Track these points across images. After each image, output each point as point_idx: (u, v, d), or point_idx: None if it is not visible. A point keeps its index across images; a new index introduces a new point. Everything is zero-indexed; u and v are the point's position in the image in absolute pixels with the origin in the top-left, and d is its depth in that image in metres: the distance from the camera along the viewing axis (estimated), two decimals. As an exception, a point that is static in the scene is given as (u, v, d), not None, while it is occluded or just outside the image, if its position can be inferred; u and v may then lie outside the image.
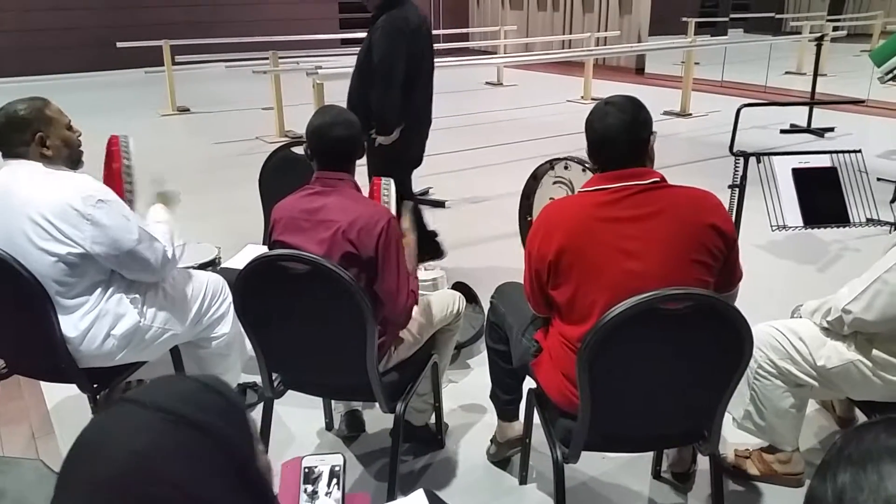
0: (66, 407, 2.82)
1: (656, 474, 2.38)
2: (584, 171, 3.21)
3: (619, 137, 1.83)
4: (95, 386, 2.25)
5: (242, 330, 2.25)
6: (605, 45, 11.83)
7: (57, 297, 2.10)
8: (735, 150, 3.75)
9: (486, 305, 2.71)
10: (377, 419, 2.62)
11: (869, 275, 2.01)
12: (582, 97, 9.58)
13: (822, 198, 3.68)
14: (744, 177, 3.67)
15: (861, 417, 2.33)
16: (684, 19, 10.35)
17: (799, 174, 3.69)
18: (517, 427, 2.40)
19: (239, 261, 3.04)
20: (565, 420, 1.91)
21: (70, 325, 2.12)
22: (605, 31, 12.23)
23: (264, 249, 2.13)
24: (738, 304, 1.80)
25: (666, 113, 8.42)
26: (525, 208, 3.49)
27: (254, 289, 2.00)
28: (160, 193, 2.53)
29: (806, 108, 7.45)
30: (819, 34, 7.83)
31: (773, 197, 3.69)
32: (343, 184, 2.10)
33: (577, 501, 2.29)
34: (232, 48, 9.87)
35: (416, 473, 2.43)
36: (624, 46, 11.38)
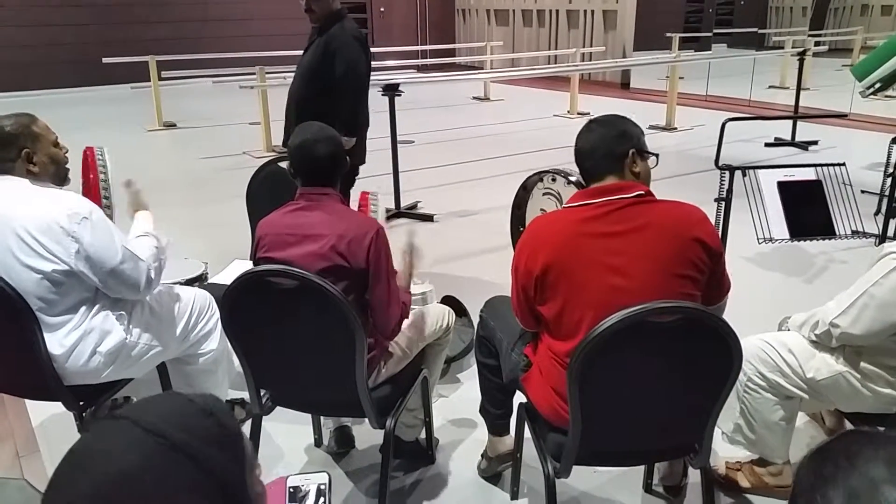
0: (51, 425, 2.78)
1: (647, 488, 2.38)
2: (567, 183, 3.24)
3: (596, 150, 1.90)
4: (81, 403, 2.22)
5: (230, 346, 2.23)
6: (590, 60, 11.93)
7: (42, 314, 2.07)
8: (721, 163, 3.77)
9: (475, 319, 2.71)
10: (367, 435, 2.60)
11: (855, 288, 2.02)
12: (568, 112, 9.65)
13: (807, 210, 3.71)
14: (730, 190, 3.69)
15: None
16: (668, 35, 10.47)
17: (784, 187, 3.72)
18: (508, 442, 2.39)
19: (226, 276, 3.02)
20: (556, 434, 1.90)
21: (55, 342, 2.09)
22: (591, 46, 12.34)
23: (252, 265, 2.12)
24: (725, 316, 1.80)
25: (651, 127, 8.49)
26: (517, 218, 3.51)
27: (241, 304, 1.99)
28: (131, 192, 2.49)
29: (790, 122, 7.53)
30: (801, 49, 7.93)
31: (759, 210, 3.72)
32: (328, 198, 2.10)
33: (569, 516, 2.28)
34: (219, 63, 9.85)
35: (407, 489, 2.41)
36: (609, 62, 11.47)
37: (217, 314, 2.52)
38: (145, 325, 2.26)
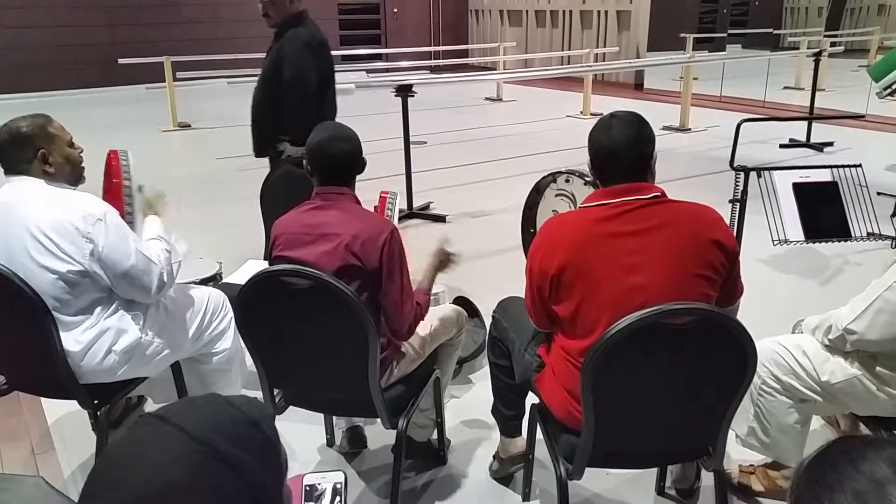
0: (66, 423, 2.80)
1: (660, 490, 2.36)
2: (585, 184, 3.22)
3: (624, 153, 1.83)
4: (96, 402, 2.23)
5: (243, 345, 2.24)
6: (603, 60, 11.90)
7: (58, 314, 2.09)
8: (735, 164, 3.75)
9: (487, 320, 2.70)
10: (379, 435, 2.61)
11: (869, 293, 2.00)
12: (581, 112, 9.62)
13: (823, 212, 3.68)
14: (744, 191, 3.67)
15: (866, 433, 2.31)
16: (682, 35, 10.43)
17: (799, 188, 3.70)
18: (520, 443, 2.39)
19: (240, 276, 3.04)
20: (568, 436, 1.90)
21: (71, 340, 2.11)
22: (604, 47, 12.31)
23: (265, 265, 2.13)
24: (739, 318, 1.79)
25: (665, 128, 8.45)
26: (528, 220, 3.49)
27: (255, 304, 1.99)
28: (145, 199, 2.52)
29: (804, 123, 7.48)
30: (817, 49, 7.87)
31: (774, 211, 3.69)
32: (344, 198, 2.10)
33: (581, 518, 2.27)
34: (233, 64, 9.89)
35: (419, 490, 2.42)
36: (623, 62, 11.44)
37: (231, 314, 2.54)
38: (160, 324, 2.27)
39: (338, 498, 1.27)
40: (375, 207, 2.54)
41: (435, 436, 2.53)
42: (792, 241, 3.68)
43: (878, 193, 4.84)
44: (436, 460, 2.53)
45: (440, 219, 5.36)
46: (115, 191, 2.52)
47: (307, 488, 1.28)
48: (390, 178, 5.66)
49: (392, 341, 2.15)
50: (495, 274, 4.15)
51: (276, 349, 2.08)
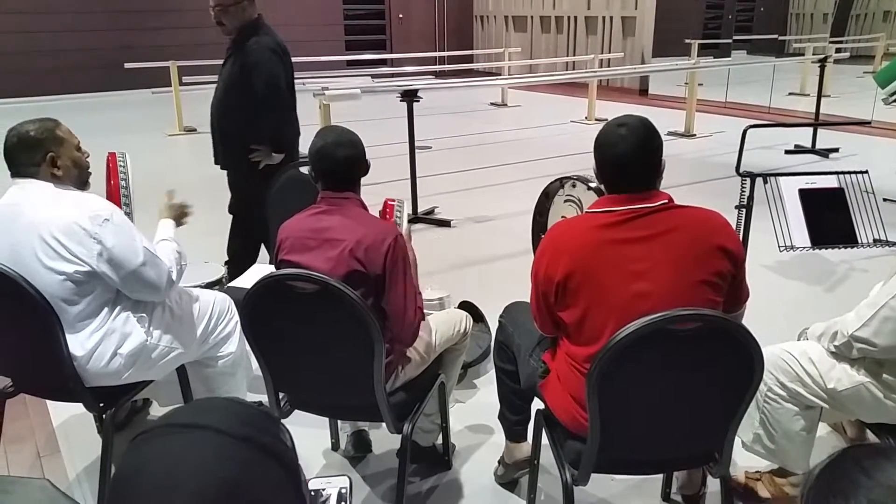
0: (71, 426, 2.81)
1: (666, 497, 2.36)
2: (587, 189, 3.22)
3: (635, 162, 1.81)
4: (101, 405, 2.24)
5: (248, 349, 2.25)
6: (608, 66, 11.91)
7: (64, 316, 2.09)
8: (741, 170, 3.75)
9: (492, 325, 2.70)
10: (383, 440, 2.60)
11: (875, 300, 1.99)
12: (586, 118, 9.62)
13: (829, 218, 3.68)
14: (750, 197, 3.67)
15: (872, 440, 2.30)
16: (687, 41, 10.44)
17: (806, 195, 3.69)
18: (525, 448, 2.38)
19: (245, 280, 3.04)
20: (574, 442, 1.89)
21: (77, 343, 2.11)
22: (609, 52, 12.32)
23: (271, 269, 2.13)
24: (745, 324, 1.79)
25: (670, 133, 8.45)
26: (539, 226, 3.49)
27: (261, 308, 2.00)
28: (169, 206, 2.54)
29: (810, 129, 7.46)
30: (822, 56, 7.86)
31: (781, 218, 3.69)
32: (349, 202, 2.11)
33: (586, 524, 2.27)
34: (238, 69, 9.93)
35: (423, 495, 2.41)
36: (627, 68, 11.45)
37: (236, 317, 2.54)
38: (166, 327, 2.28)
39: (343, 502, 1.27)
40: (383, 214, 2.54)
41: (440, 440, 2.53)
42: (798, 248, 3.67)
43: (885, 200, 4.83)
44: (440, 465, 2.52)
45: (445, 223, 5.36)
46: (113, 191, 2.54)
47: (312, 493, 1.27)
48: (395, 182, 5.68)
49: (397, 346, 2.15)
50: (500, 279, 4.15)
51: (282, 353, 2.08)
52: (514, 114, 10.75)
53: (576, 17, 13.39)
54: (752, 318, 1.92)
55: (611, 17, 12.71)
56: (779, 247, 3.70)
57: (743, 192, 3.68)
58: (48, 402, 2.85)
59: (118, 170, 2.56)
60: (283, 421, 2.18)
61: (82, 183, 2.28)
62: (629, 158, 1.81)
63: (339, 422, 2.63)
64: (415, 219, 5.40)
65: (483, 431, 2.73)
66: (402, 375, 2.19)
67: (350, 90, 5.58)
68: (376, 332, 1.92)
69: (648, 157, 1.82)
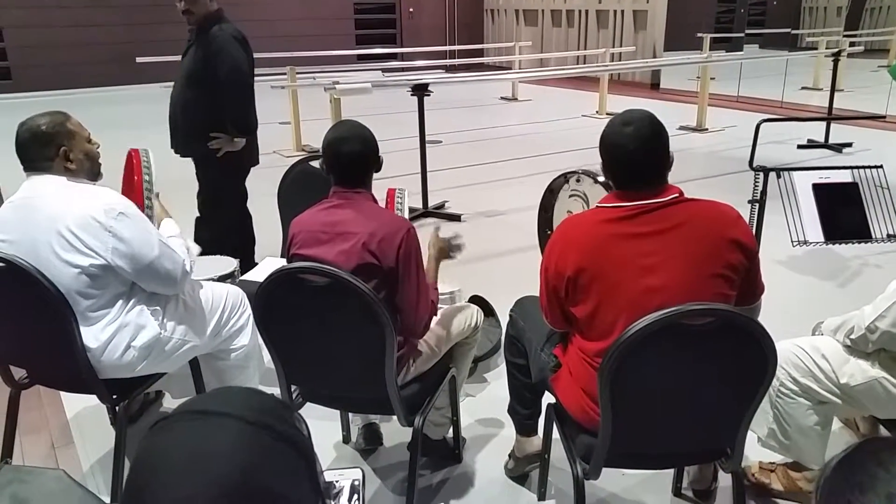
0: (85, 417, 2.83)
1: (677, 491, 2.35)
2: (594, 182, 3.21)
3: (642, 160, 1.80)
4: (115, 397, 2.25)
5: (261, 342, 2.26)
6: (620, 60, 11.85)
7: (79, 309, 2.11)
8: (754, 164, 3.72)
9: (503, 319, 2.70)
10: (394, 433, 2.61)
11: (891, 293, 1.98)
12: (597, 112, 9.59)
13: (843, 213, 3.65)
14: (763, 192, 3.64)
15: (886, 435, 2.29)
16: (699, 35, 10.35)
17: (819, 189, 3.67)
18: (536, 442, 2.38)
19: (257, 274, 3.05)
20: (585, 436, 1.89)
21: (91, 336, 2.13)
22: (620, 46, 12.26)
23: (283, 262, 2.14)
24: (757, 319, 1.78)
25: (682, 128, 8.41)
26: (544, 221, 3.49)
27: (274, 301, 2.00)
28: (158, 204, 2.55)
29: (822, 124, 7.41)
30: (836, 49, 7.80)
31: (794, 212, 3.66)
32: (360, 196, 2.11)
33: (597, 518, 2.27)
34: (250, 63, 9.94)
35: (434, 488, 2.42)
36: (639, 62, 11.38)
37: (249, 310, 2.55)
38: (179, 319, 2.29)
39: (356, 495, 1.27)
40: (387, 203, 2.54)
41: (450, 434, 2.54)
42: (811, 243, 3.64)
43: (899, 195, 4.79)
44: (451, 458, 2.53)
45: (455, 218, 5.36)
46: (137, 188, 2.55)
47: (325, 485, 1.28)
48: (406, 176, 5.67)
49: (408, 339, 2.16)
50: (511, 273, 4.15)
51: (294, 346, 2.09)
52: (525, 108, 10.72)
53: (587, 11, 13.33)
54: (765, 313, 1.91)
55: (622, 11, 12.64)
56: (792, 242, 3.68)
57: (756, 186, 3.66)
58: (62, 393, 2.88)
59: (142, 166, 2.57)
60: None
61: (94, 175, 2.29)
62: (637, 156, 1.80)
63: (350, 415, 2.64)
64: (425, 213, 5.40)
65: (493, 425, 2.73)
66: (414, 369, 2.20)
67: (361, 84, 5.58)
68: (388, 326, 1.92)
69: (656, 154, 1.81)
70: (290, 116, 7.60)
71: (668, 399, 1.76)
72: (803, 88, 10.74)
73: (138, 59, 9.93)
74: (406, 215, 2.45)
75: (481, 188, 6.19)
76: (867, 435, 2.56)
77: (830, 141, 7.26)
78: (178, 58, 9.01)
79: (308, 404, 2.24)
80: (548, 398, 2.14)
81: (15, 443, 2.44)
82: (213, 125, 3.52)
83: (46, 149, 2.16)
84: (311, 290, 1.97)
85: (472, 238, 4.85)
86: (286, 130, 7.81)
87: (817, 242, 3.65)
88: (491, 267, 4.39)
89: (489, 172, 6.69)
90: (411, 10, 15.12)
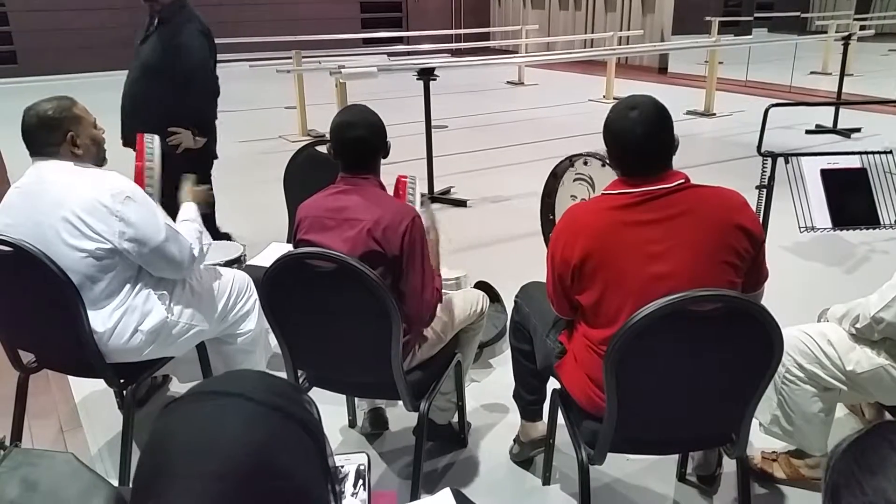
0: (93, 401, 2.85)
1: (681, 477, 2.36)
2: (603, 166, 3.19)
3: (648, 146, 1.79)
4: (122, 381, 2.27)
5: (267, 326, 2.26)
6: (627, 44, 11.76)
7: (86, 293, 2.12)
8: (762, 150, 3.70)
9: (508, 305, 2.70)
10: (400, 417, 2.62)
11: None
12: (604, 96, 9.53)
13: (851, 199, 3.63)
14: (771, 177, 3.63)
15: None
16: (708, 18, 10.25)
17: (828, 175, 3.64)
18: (540, 427, 2.39)
19: (263, 259, 3.06)
20: (590, 421, 1.90)
21: (98, 320, 2.14)
22: (628, 30, 12.16)
23: (288, 248, 2.14)
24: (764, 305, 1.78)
25: (690, 112, 8.35)
26: (547, 207, 3.47)
27: (281, 286, 2.01)
28: (193, 191, 2.56)
29: (831, 109, 7.35)
30: (846, 33, 7.71)
31: (802, 198, 3.65)
32: (367, 183, 2.10)
33: (601, 503, 2.27)
34: (255, 48, 9.92)
35: (439, 472, 2.43)
36: (647, 46, 11.30)
37: (255, 295, 2.56)
38: (186, 304, 2.30)
39: (361, 480, 1.28)
40: (396, 192, 2.53)
41: (456, 419, 2.55)
42: (819, 229, 3.63)
43: (908, 180, 4.76)
44: (457, 443, 2.54)
45: (461, 203, 5.35)
46: (138, 173, 2.56)
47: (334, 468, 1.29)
48: (411, 161, 5.66)
49: (414, 325, 2.16)
50: (516, 259, 4.15)
51: (301, 331, 2.10)
52: (532, 92, 10.66)
53: (594, -6, 13.21)
54: (771, 300, 1.91)
55: (630, -6, 12.53)
56: (799, 227, 3.66)
57: (764, 172, 3.64)
58: (70, 377, 2.90)
59: (145, 152, 2.59)
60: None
61: (101, 160, 2.30)
62: (642, 142, 1.79)
63: (356, 399, 2.65)
64: (431, 198, 5.39)
65: (498, 410, 2.74)
66: (419, 354, 2.20)
67: (366, 68, 5.56)
68: (394, 312, 1.93)
69: (662, 140, 1.81)
70: (296, 101, 7.58)
71: (674, 385, 1.76)
72: (812, 73, 10.64)
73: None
74: (418, 205, 2.43)
75: (487, 173, 6.17)
76: (872, 421, 2.56)
77: (839, 126, 7.20)
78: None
79: (314, 389, 2.25)
80: (553, 384, 2.15)
81: (24, 426, 2.46)
82: (172, 119, 3.39)
83: (53, 134, 2.16)
84: (317, 275, 1.97)
85: (478, 223, 4.88)
86: (292, 115, 7.80)
87: (825, 228, 3.64)
88: (497, 253, 4.39)
89: (495, 157, 6.66)
90: (417, -7, 15.02)
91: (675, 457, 2.37)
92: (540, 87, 10.95)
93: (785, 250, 4.23)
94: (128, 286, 2.18)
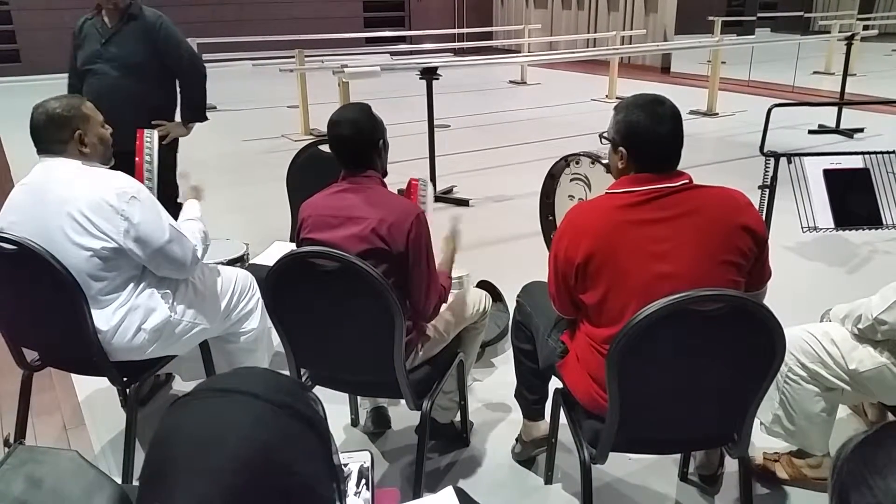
0: (96, 399, 2.86)
1: (683, 476, 2.36)
2: (592, 164, 3.19)
3: (672, 142, 1.80)
4: (125, 379, 2.28)
5: (270, 325, 2.27)
6: (630, 43, 11.75)
7: (90, 292, 2.12)
8: (765, 150, 3.70)
9: (510, 304, 2.71)
10: (402, 416, 2.63)
11: None
12: (607, 96, 9.52)
13: (854, 199, 3.63)
14: (774, 177, 3.62)
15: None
16: (711, 18, 10.25)
17: (830, 175, 3.64)
18: (542, 426, 2.40)
19: (267, 257, 3.07)
20: (592, 421, 1.90)
21: (102, 318, 2.15)
22: (631, 29, 12.15)
23: (292, 246, 2.15)
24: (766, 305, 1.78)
25: (692, 112, 8.35)
26: (546, 207, 3.48)
27: (284, 285, 2.01)
28: (192, 187, 2.57)
29: (834, 109, 7.34)
30: (849, 33, 7.70)
31: (804, 198, 3.64)
32: (370, 181, 2.11)
33: (603, 503, 2.28)
34: (258, 46, 9.94)
35: (442, 471, 2.44)
36: (649, 45, 11.29)
37: (258, 294, 2.57)
38: (189, 303, 2.31)
39: (364, 479, 1.28)
40: (400, 191, 2.54)
41: (458, 418, 2.55)
42: (822, 229, 3.63)
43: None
44: (459, 442, 2.55)
45: (463, 203, 5.35)
46: (138, 169, 2.58)
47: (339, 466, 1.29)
48: (414, 161, 5.67)
49: (417, 324, 2.17)
50: (519, 258, 4.15)
51: (304, 330, 2.10)
52: (534, 92, 10.66)
53: (597, -6, 13.20)
54: (774, 299, 1.91)
55: (633, -6, 12.51)
56: (802, 227, 3.66)
57: (767, 171, 3.64)
58: (74, 375, 2.90)
59: (143, 147, 2.60)
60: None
61: (107, 159, 2.31)
62: (669, 138, 1.80)
63: (358, 398, 2.65)
64: (434, 198, 5.39)
65: (501, 409, 2.74)
66: (422, 353, 2.21)
67: (369, 68, 5.56)
68: (397, 310, 1.93)
69: (681, 137, 1.83)
70: (299, 100, 7.59)
71: (676, 385, 1.76)
72: (815, 73, 10.62)
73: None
74: (430, 208, 2.42)
75: (490, 173, 6.17)
76: (875, 422, 2.56)
77: (842, 126, 7.19)
78: (187, 40, 8.84)
79: (317, 387, 2.26)
80: (555, 383, 2.15)
81: (28, 424, 2.46)
82: (158, 114, 3.44)
83: (62, 132, 2.17)
84: (320, 274, 1.98)
85: (481, 223, 4.88)
86: (294, 114, 7.81)
87: (827, 228, 3.64)
88: (499, 252, 4.39)
89: (498, 157, 6.66)
90: (420, -8, 15.02)
91: (677, 456, 2.37)
92: (542, 87, 10.94)
93: (787, 250, 4.23)
94: (131, 285, 2.18)
